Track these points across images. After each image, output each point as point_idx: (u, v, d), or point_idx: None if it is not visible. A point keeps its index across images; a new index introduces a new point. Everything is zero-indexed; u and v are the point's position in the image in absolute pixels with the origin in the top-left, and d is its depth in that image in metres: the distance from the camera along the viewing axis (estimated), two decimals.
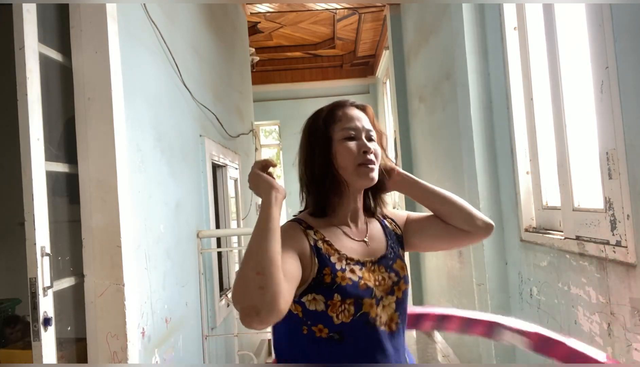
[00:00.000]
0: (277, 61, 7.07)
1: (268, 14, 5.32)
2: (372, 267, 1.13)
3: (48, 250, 1.47)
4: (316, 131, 1.16)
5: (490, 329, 1.32)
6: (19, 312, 2.68)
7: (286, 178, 7.35)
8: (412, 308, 1.35)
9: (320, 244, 1.09)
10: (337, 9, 5.22)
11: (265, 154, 9.37)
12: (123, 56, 1.86)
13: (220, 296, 3.21)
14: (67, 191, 1.75)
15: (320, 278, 1.04)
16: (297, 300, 1.04)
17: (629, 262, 1.38)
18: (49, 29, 1.68)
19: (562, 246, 1.78)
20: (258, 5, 5.03)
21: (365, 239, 1.17)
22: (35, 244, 1.43)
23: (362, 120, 1.16)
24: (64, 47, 1.75)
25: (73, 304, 1.72)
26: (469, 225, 1.21)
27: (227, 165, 3.75)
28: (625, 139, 1.36)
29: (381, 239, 1.20)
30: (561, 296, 1.83)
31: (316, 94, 7.18)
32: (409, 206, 4.70)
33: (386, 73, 6.13)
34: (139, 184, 1.97)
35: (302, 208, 1.20)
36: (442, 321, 1.39)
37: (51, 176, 1.61)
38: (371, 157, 1.12)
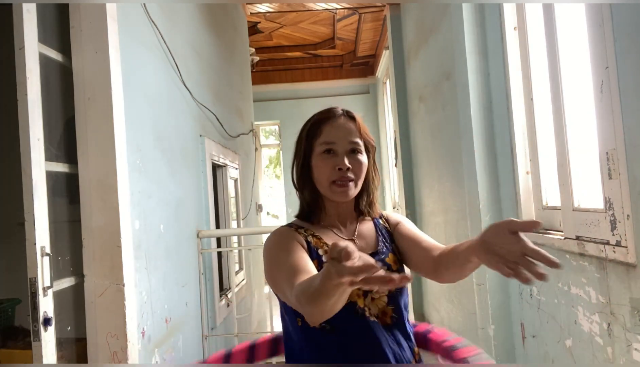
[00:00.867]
0: (277, 61, 7.07)
1: (268, 14, 5.32)
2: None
3: (48, 250, 1.47)
4: (299, 142, 1.21)
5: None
6: (19, 312, 2.68)
7: (286, 178, 7.35)
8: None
9: (310, 238, 1.15)
10: (337, 9, 5.22)
11: (265, 154, 9.37)
12: (123, 56, 1.86)
13: (220, 296, 3.21)
14: (67, 191, 1.75)
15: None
16: None
17: (629, 262, 1.38)
18: (49, 29, 1.68)
19: (562, 246, 1.78)
20: (258, 5, 5.03)
21: (353, 238, 1.20)
22: (35, 244, 1.43)
23: (346, 132, 1.16)
24: (64, 47, 1.75)
25: (73, 304, 1.72)
26: (450, 282, 1.14)
27: (227, 165, 3.75)
28: (625, 139, 1.36)
29: (372, 236, 1.22)
30: (561, 296, 1.83)
31: (316, 94, 7.18)
32: (409, 208, 4.70)
33: (386, 73, 6.13)
34: (139, 184, 1.97)
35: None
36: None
37: (51, 176, 1.61)
38: (347, 174, 1.13)
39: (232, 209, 3.99)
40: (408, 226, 1.27)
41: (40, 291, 1.44)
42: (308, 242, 1.14)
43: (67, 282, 1.66)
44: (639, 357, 1.37)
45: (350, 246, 0.74)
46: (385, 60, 5.96)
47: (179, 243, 2.46)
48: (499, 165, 2.43)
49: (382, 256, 1.18)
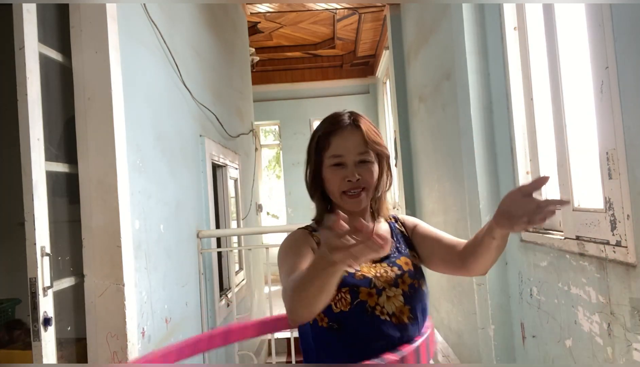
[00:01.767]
0: (277, 61, 7.07)
1: (268, 14, 5.32)
2: (374, 265, 1.16)
3: (48, 250, 1.47)
4: (309, 154, 1.23)
5: None
6: (19, 312, 2.68)
7: (286, 178, 7.35)
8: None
9: None
10: (337, 9, 5.22)
11: (265, 154, 9.37)
12: (123, 56, 1.86)
13: (220, 296, 3.21)
14: (67, 191, 1.74)
15: None
16: None
17: (629, 262, 1.38)
18: (49, 29, 1.68)
19: (562, 246, 1.78)
20: (258, 5, 5.03)
21: None
22: (35, 244, 1.43)
23: (354, 144, 1.16)
24: (64, 47, 1.75)
25: (73, 304, 1.72)
26: (481, 272, 1.14)
27: (227, 165, 3.75)
28: (625, 139, 1.36)
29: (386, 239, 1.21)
30: (561, 296, 1.83)
31: (316, 94, 7.18)
32: (409, 208, 4.70)
33: (386, 73, 6.13)
34: (139, 184, 1.97)
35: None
36: None
37: (51, 176, 1.61)
38: (357, 184, 1.15)
39: (232, 209, 3.99)
40: (426, 226, 1.28)
41: (40, 291, 1.44)
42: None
43: (67, 282, 1.66)
44: (639, 357, 1.37)
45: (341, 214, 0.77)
46: (385, 60, 5.96)
47: (179, 243, 2.45)
48: (499, 165, 2.43)
49: (393, 259, 1.19)
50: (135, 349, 1.79)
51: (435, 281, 4.01)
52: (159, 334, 2.09)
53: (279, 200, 8.46)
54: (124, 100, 1.85)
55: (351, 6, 5.17)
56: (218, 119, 3.43)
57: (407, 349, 1.03)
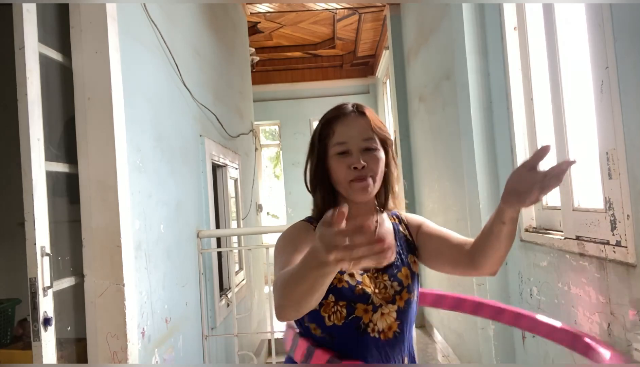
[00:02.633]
0: (277, 61, 7.07)
1: (268, 14, 5.32)
2: (375, 275, 1.13)
3: (48, 250, 1.47)
4: (313, 144, 1.18)
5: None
6: (19, 312, 2.67)
7: (286, 178, 7.35)
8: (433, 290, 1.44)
9: None
10: (337, 9, 5.22)
11: (265, 154, 9.37)
12: (123, 56, 1.86)
13: (220, 296, 3.21)
14: (67, 191, 1.74)
15: None
16: None
17: (629, 262, 1.38)
18: (49, 29, 1.68)
19: (562, 246, 1.78)
20: (258, 5, 5.03)
21: None
22: (35, 244, 1.43)
23: (359, 130, 1.13)
24: (64, 47, 1.75)
25: (73, 304, 1.72)
26: (491, 271, 1.10)
27: (227, 165, 3.75)
28: (625, 139, 1.36)
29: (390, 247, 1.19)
30: (561, 296, 1.83)
31: (316, 94, 7.18)
32: (409, 208, 4.70)
33: (386, 73, 6.13)
34: (139, 184, 1.97)
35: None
36: (459, 303, 1.43)
37: (51, 176, 1.61)
38: (363, 172, 1.11)
39: (232, 209, 3.99)
40: (432, 226, 1.24)
41: (40, 291, 1.44)
42: None
43: (67, 282, 1.66)
44: (639, 357, 1.37)
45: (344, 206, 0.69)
46: (385, 60, 5.96)
47: (179, 243, 2.46)
48: (499, 165, 2.43)
49: (395, 271, 1.14)
50: (135, 349, 1.79)
51: (435, 280, 4.01)
52: (159, 334, 2.09)
53: (279, 200, 8.46)
54: (124, 100, 1.85)
55: (351, 6, 5.17)
56: (218, 119, 3.43)
57: None
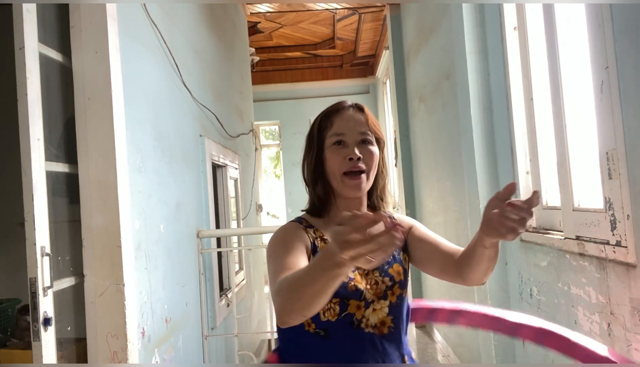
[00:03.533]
0: (277, 61, 7.07)
1: (268, 14, 5.32)
2: (366, 271, 1.13)
3: (48, 250, 1.47)
4: (311, 136, 1.20)
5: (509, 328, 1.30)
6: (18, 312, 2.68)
7: (286, 178, 7.34)
8: (425, 302, 1.38)
9: (317, 241, 1.13)
10: (337, 9, 5.22)
11: (265, 154, 9.37)
12: (123, 56, 1.86)
13: (220, 296, 3.21)
14: (67, 191, 1.74)
15: None
16: None
17: (629, 262, 1.38)
18: (49, 29, 1.68)
19: (562, 246, 1.78)
20: (258, 5, 5.03)
21: None
22: (35, 244, 1.43)
23: (356, 123, 1.16)
24: (64, 47, 1.75)
25: (73, 304, 1.72)
26: (477, 283, 1.11)
27: (227, 165, 3.75)
28: (625, 139, 1.36)
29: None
30: (561, 296, 1.83)
31: (316, 94, 7.17)
32: (409, 208, 4.70)
33: (386, 73, 6.13)
34: (139, 184, 1.97)
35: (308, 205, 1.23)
36: (455, 316, 1.35)
37: (51, 176, 1.61)
38: (359, 164, 1.11)
39: (232, 209, 3.99)
40: (423, 229, 1.25)
41: (40, 291, 1.44)
42: (314, 245, 1.12)
43: (67, 282, 1.66)
44: (639, 357, 1.37)
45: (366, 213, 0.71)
46: (385, 60, 5.96)
47: (178, 243, 2.46)
48: (499, 165, 2.43)
49: (386, 266, 1.15)
50: (135, 349, 1.79)
51: (435, 280, 4.01)
52: (159, 334, 2.09)
53: (279, 200, 8.46)
54: (124, 100, 1.85)
55: (351, 6, 5.17)
56: (218, 119, 3.43)
57: None
